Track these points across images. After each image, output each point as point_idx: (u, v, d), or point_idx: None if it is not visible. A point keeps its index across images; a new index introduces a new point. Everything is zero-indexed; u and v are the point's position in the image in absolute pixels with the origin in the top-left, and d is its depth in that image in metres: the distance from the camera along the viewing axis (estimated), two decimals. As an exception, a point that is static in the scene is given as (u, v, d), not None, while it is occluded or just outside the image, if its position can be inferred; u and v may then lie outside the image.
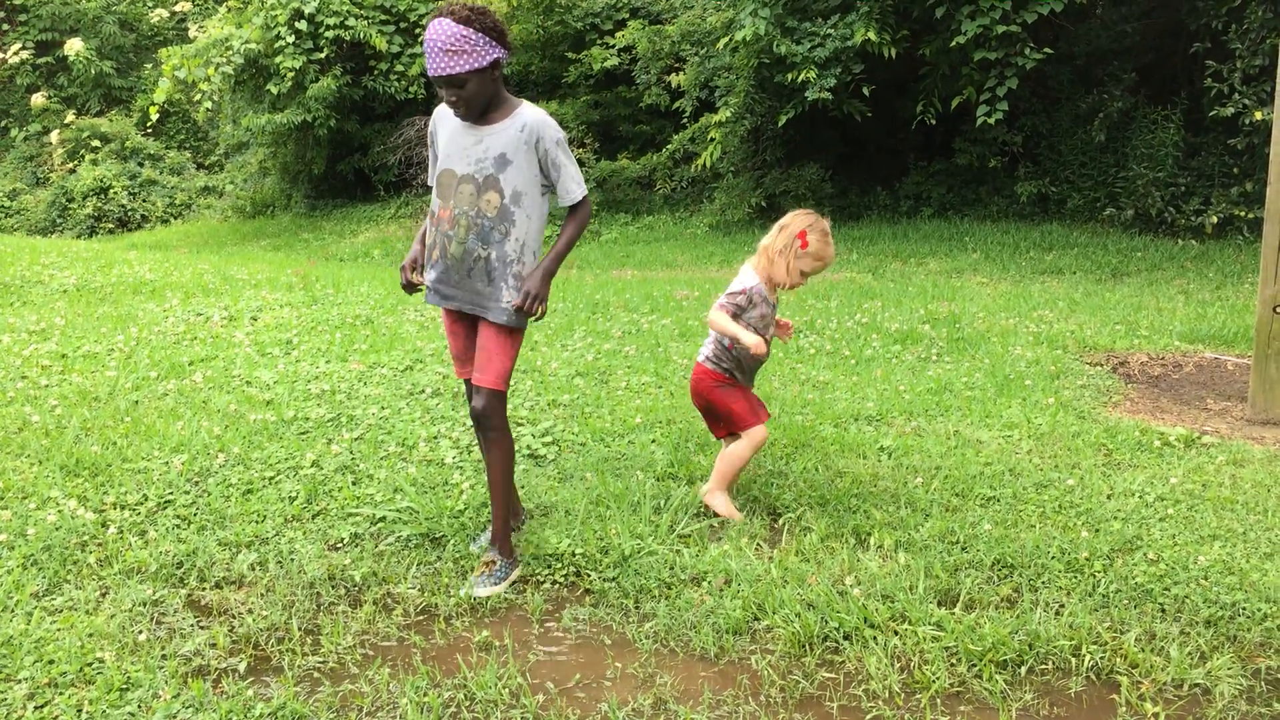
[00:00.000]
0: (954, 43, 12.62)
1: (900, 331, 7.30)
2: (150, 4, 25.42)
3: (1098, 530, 3.97)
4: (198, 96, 17.03)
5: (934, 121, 13.74)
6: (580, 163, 16.05)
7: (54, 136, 22.86)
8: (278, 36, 16.66)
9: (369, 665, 3.15)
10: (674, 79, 14.87)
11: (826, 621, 3.34)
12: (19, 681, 2.91)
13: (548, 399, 5.52)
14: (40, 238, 18.18)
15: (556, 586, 3.68)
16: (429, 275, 3.61)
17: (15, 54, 24.05)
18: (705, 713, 2.93)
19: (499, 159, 3.40)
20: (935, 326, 7.51)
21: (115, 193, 21.41)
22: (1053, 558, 3.75)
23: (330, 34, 16.70)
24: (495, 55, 3.31)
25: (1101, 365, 6.77)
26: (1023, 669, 3.14)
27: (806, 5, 13.69)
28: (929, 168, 15.18)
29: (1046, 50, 12.55)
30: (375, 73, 17.41)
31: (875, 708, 2.97)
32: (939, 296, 9.39)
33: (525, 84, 17.63)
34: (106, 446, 4.64)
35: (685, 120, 15.29)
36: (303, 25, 16.65)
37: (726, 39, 13.61)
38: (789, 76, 13.15)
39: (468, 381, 3.70)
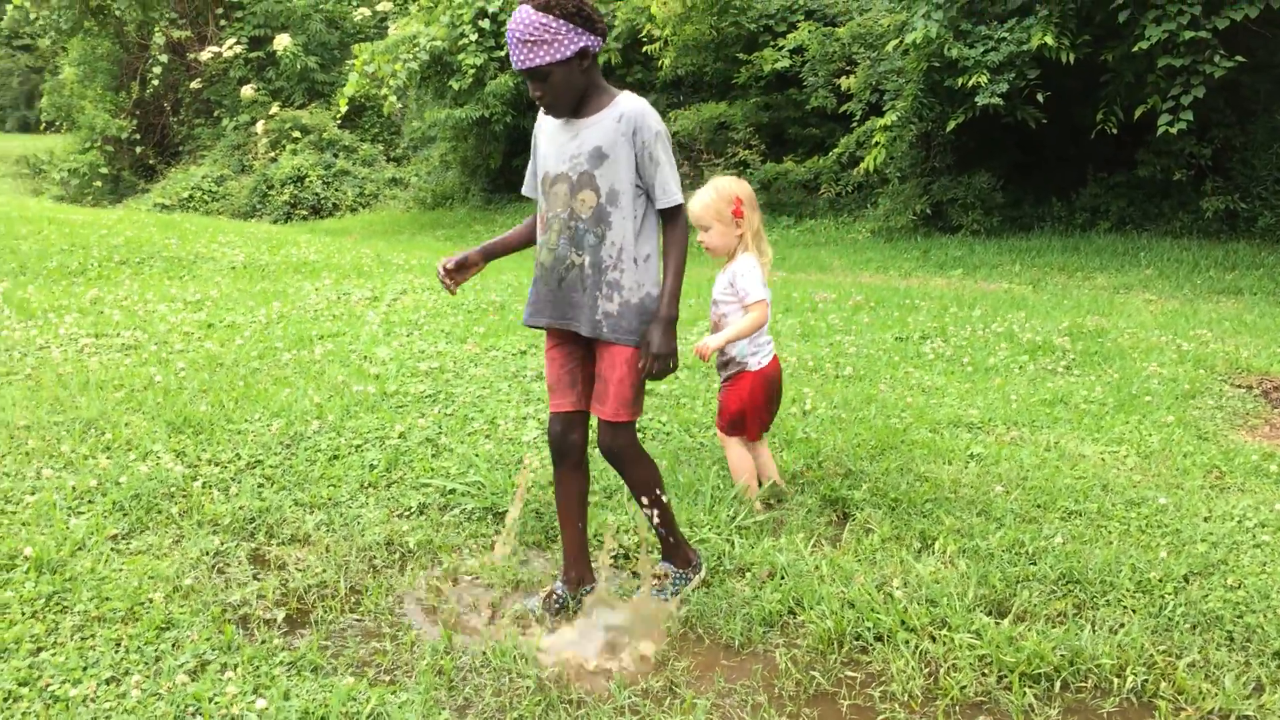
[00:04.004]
0: (1136, 48, 12.03)
1: (1032, 342, 7.01)
2: (354, 2, 26.66)
3: (1179, 551, 3.74)
4: (384, 91, 17.76)
5: (1115, 131, 13.12)
6: (744, 164, 16.01)
7: (259, 127, 24.20)
8: (462, 34, 17.21)
9: (402, 626, 3.25)
10: (843, 82, 14.67)
11: (862, 620, 3.26)
12: (72, 613, 3.12)
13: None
14: (241, 221, 19.31)
15: (607, 566, 3.71)
16: (530, 290, 3.31)
17: (230, 48, 25.57)
18: (712, 698, 2.90)
19: (594, 153, 3.07)
20: (1074, 339, 7.19)
21: (310, 181, 22.52)
22: (1123, 576, 3.56)
23: (510, 32, 17.14)
24: (582, 44, 2.98)
25: (1251, 388, 6.34)
26: (1057, 685, 2.99)
27: (984, 8, 13.29)
28: (1109, 179, 14.50)
29: (1239, 58, 11.82)
30: (552, 71, 17.78)
31: (890, 709, 2.89)
32: (1094, 311, 8.97)
33: (699, 85, 17.71)
34: (215, 408, 4.91)
35: (855, 124, 15.06)
36: (486, 24, 17.15)
37: (897, 41, 13.35)
38: (959, 81, 12.79)
39: (555, 415, 3.34)
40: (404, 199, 21.84)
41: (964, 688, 2.97)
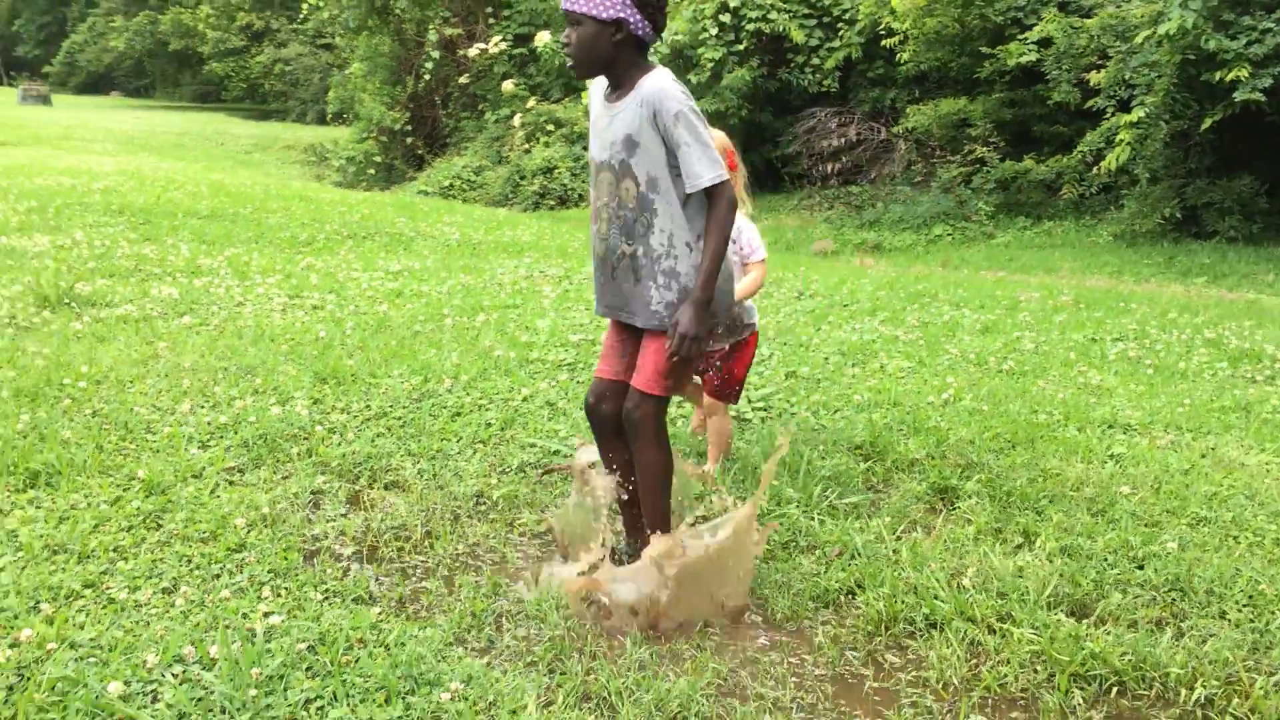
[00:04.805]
0: None
1: (1239, 349, 6.44)
2: (613, 1, 27.35)
3: (1310, 569, 3.36)
4: (623, 84, 18.15)
5: (1400, 131, 11.85)
6: (981, 163, 15.40)
7: (516, 120, 25.20)
8: (703, 29, 17.37)
9: (459, 572, 3.33)
10: (1092, 77, 13.85)
11: (920, 606, 3.11)
12: (161, 530, 3.38)
13: (786, 370, 5.45)
14: (492, 209, 20.20)
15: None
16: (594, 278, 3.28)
17: (495, 45, 26.75)
18: (731, 665, 2.85)
19: (626, 141, 2.97)
20: (1293, 349, 6.55)
21: (559, 173, 23.24)
22: (1234, 589, 3.24)
23: (751, 26, 17.16)
24: (621, 15, 2.89)
25: None
26: (1114, 690, 2.76)
27: (1250, -4, 12.26)
28: (1396, 186, 13.10)
29: None
30: (791, 65, 17.68)
31: (917, 695, 2.75)
32: (1341, 324, 8.13)
33: (944, 80, 17.16)
34: (363, 363, 5.17)
35: (1104, 121, 14.20)
36: (726, 18, 17.24)
37: (1149, 32, 12.50)
38: (1217, 75, 11.87)
39: (594, 380, 3.31)
40: (645, 191, 22.24)
41: (1005, 682, 2.79)
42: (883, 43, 16.27)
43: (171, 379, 4.78)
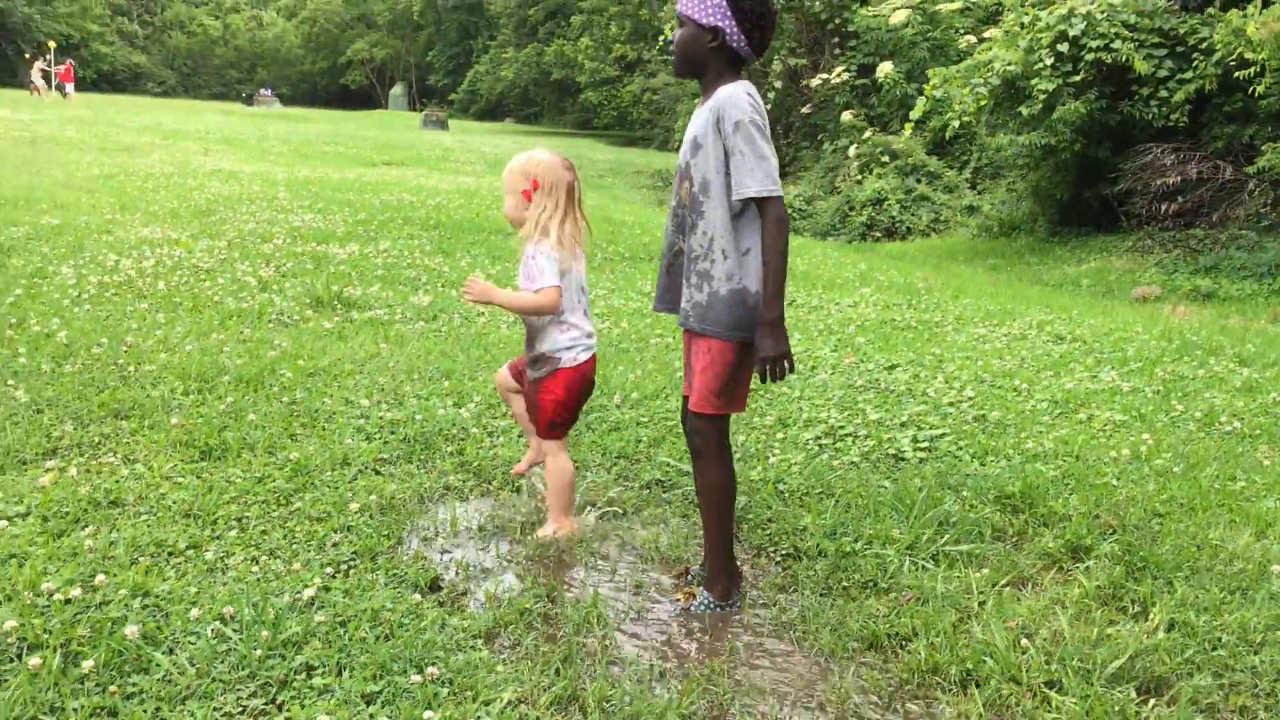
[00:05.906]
0: None
1: None
2: (960, 30, 26.68)
3: None
4: (948, 115, 17.69)
5: None
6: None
7: (852, 150, 25.13)
8: (1038, 59, 16.63)
9: (539, 568, 3.49)
10: None
11: (964, 661, 2.95)
12: (287, 508, 3.75)
13: (976, 413, 5.22)
14: (820, 240, 20.35)
15: (773, 563, 3.67)
16: None
17: (838, 75, 26.84)
18: (727, 690, 2.83)
19: (693, 143, 3.11)
20: None
21: (889, 205, 22.96)
22: (1351, 691, 2.85)
23: (1091, 56, 16.24)
24: (719, 23, 3.03)
25: None
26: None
27: None
28: None
29: None
30: (1135, 98, 16.54)
31: (912, 752, 2.63)
32: None
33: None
34: (550, 374, 5.45)
35: None
36: (1064, 48, 16.41)
37: None
38: None
39: (685, 397, 3.35)
40: (972, 226, 21.49)
41: (1014, 751, 2.62)
42: (1235, 74, 14.90)
43: (373, 377, 5.26)
